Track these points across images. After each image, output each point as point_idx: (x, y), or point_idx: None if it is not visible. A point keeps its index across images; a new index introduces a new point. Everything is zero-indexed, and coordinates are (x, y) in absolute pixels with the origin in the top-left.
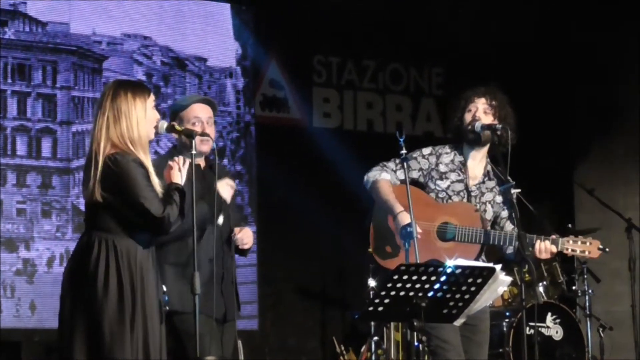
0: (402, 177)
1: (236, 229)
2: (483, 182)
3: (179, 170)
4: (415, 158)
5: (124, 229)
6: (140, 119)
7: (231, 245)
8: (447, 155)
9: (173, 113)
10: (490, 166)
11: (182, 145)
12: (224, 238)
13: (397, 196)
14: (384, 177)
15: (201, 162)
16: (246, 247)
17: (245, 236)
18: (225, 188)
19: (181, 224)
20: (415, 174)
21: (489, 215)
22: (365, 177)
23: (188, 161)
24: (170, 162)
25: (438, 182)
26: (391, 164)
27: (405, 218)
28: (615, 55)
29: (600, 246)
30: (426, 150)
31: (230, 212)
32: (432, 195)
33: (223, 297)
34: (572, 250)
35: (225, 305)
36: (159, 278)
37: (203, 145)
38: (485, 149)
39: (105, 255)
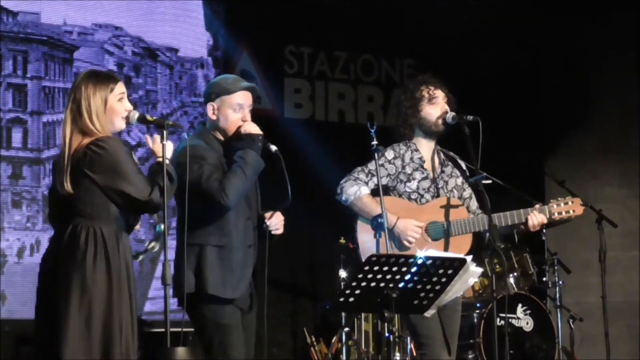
0: (372, 187)
1: (267, 214)
2: (443, 172)
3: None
4: (383, 165)
5: (106, 214)
6: (100, 112)
7: (263, 231)
8: (407, 155)
9: (215, 94)
10: (441, 152)
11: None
12: (254, 221)
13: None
14: (364, 192)
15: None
16: (278, 232)
17: (278, 220)
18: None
19: (241, 189)
20: (384, 181)
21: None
22: (342, 193)
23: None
24: (151, 137)
25: (407, 184)
26: (362, 176)
27: (407, 223)
28: (587, 48)
29: (582, 202)
30: (390, 155)
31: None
32: (404, 197)
33: (249, 286)
34: (559, 213)
35: (250, 295)
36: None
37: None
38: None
39: (93, 242)
